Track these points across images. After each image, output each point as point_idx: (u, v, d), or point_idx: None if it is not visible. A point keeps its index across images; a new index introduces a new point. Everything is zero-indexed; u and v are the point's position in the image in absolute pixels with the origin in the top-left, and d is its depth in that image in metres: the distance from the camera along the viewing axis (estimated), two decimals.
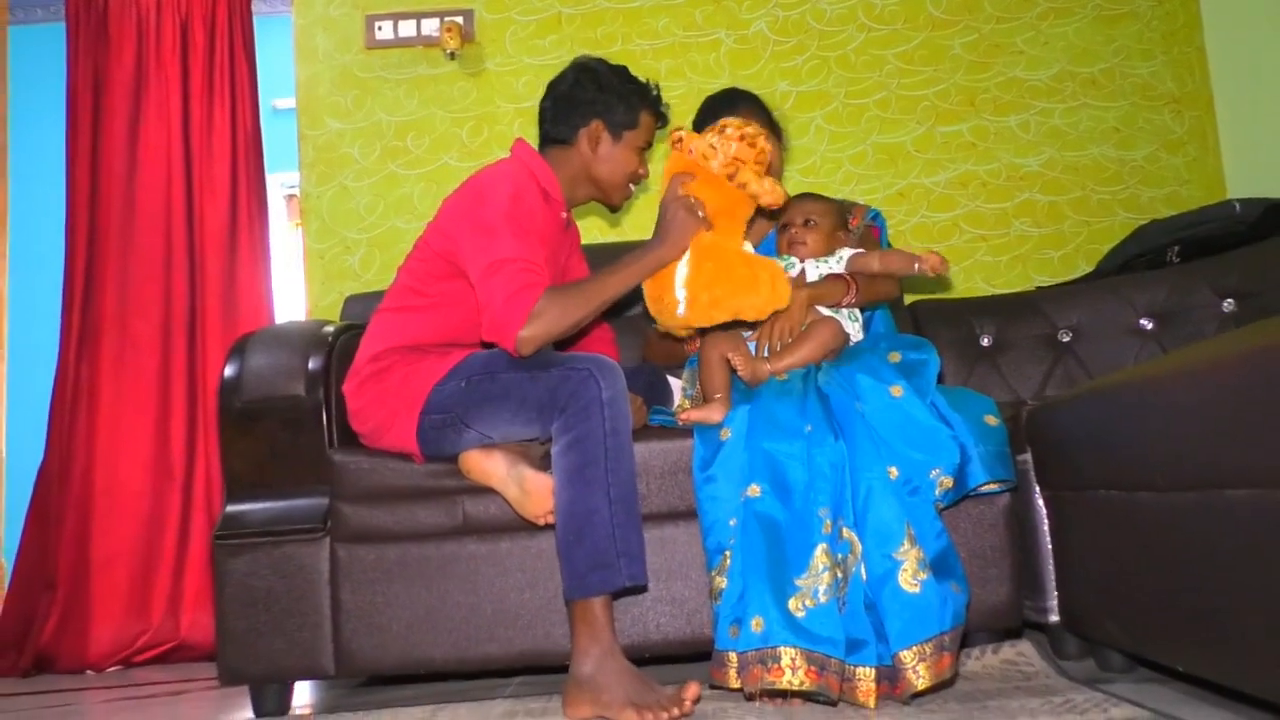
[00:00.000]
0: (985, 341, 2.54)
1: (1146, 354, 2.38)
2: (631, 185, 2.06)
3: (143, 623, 2.91)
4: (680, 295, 1.81)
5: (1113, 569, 1.57)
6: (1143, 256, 2.50)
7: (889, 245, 2.38)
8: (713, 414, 1.81)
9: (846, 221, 2.15)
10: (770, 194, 1.81)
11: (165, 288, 3.10)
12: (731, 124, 1.86)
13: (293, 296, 4.08)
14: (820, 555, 1.56)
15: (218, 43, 3.22)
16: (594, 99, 1.98)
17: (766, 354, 1.92)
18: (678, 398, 2.17)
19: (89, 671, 2.86)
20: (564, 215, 2.05)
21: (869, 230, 2.23)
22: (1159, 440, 1.36)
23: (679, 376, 2.21)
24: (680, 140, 1.87)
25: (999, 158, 2.98)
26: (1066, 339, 2.49)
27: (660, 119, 2.06)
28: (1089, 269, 2.83)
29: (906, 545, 1.56)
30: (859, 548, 1.58)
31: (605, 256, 2.17)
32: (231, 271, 3.12)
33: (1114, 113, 2.99)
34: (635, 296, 1.91)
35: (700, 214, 1.82)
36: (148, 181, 3.14)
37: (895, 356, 1.85)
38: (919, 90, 3.01)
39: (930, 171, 2.99)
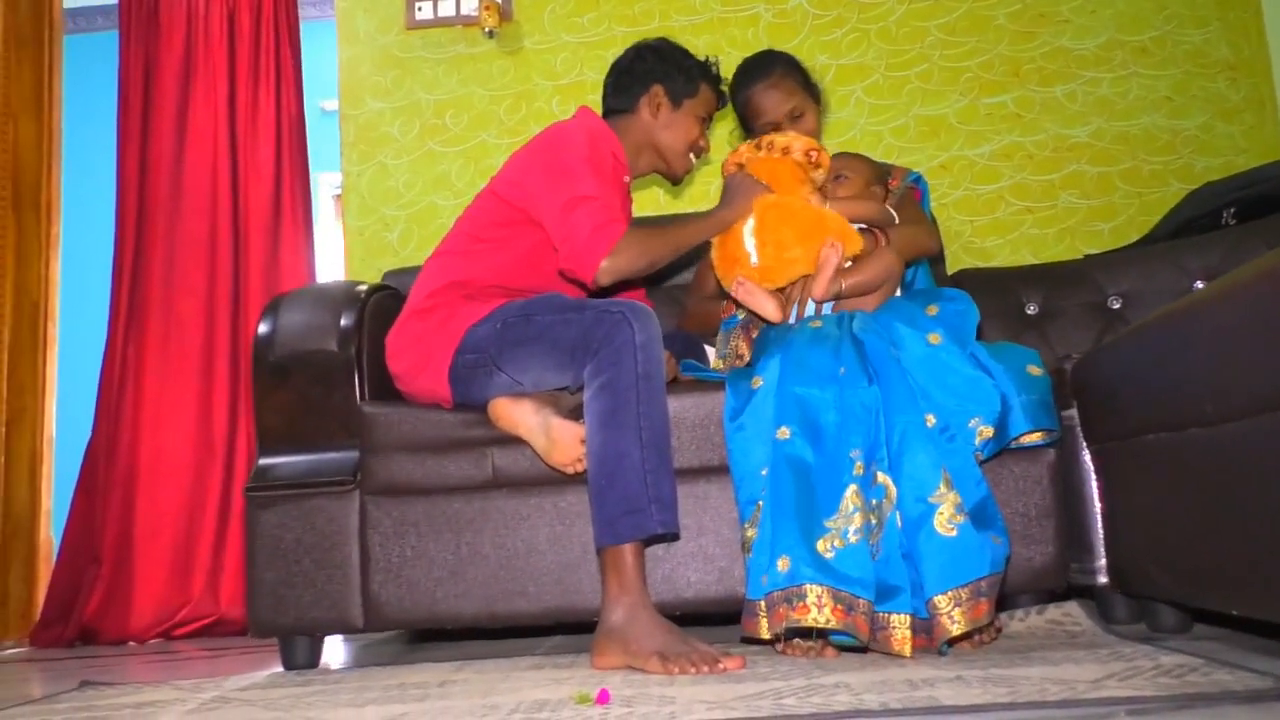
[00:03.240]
0: (1031, 310, 2.46)
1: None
2: (693, 156, 2.11)
3: (183, 596, 2.93)
4: (749, 246, 1.88)
5: (1163, 517, 1.50)
6: (1197, 220, 2.41)
7: (931, 211, 2.33)
8: (767, 303, 1.82)
9: (885, 181, 2.11)
10: (798, 139, 1.94)
11: (210, 269, 3.14)
12: (761, 140, 2.01)
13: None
14: (851, 496, 1.51)
15: (263, 31, 3.28)
16: (654, 68, 2.06)
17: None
18: (712, 362, 2.14)
19: (131, 643, 2.89)
20: (626, 180, 2.06)
21: (910, 191, 2.18)
22: (1205, 369, 1.30)
23: (713, 345, 2.19)
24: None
25: (1045, 129, 2.91)
26: (1117, 305, 2.40)
27: (720, 97, 2.13)
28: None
29: (943, 489, 1.51)
30: (894, 492, 1.52)
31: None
32: (274, 253, 3.16)
33: (1165, 81, 2.90)
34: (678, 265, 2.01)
35: (760, 183, 1.92)
36: (194, 166, 3.20)
37: (933, 309, 1.80)
38: (961, 61, 2.95)
39: (974, 143, 2.92)
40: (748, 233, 1.88)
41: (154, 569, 2.94)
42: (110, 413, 3.06)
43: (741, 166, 2.01)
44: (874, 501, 1.54)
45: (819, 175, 1.96)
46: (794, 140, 1.96)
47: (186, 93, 3.23)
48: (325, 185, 4.50)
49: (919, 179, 2.23)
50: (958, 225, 2.88)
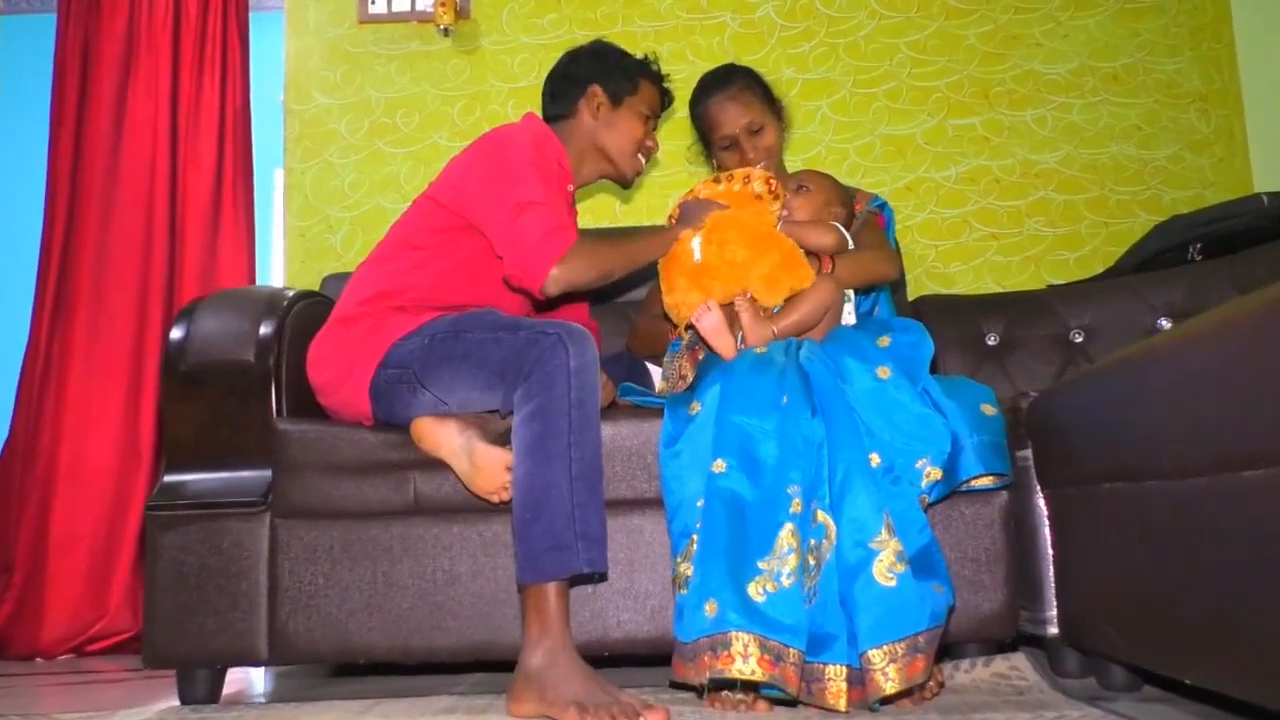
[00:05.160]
0: (991, 340, 2.39)
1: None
2: (642, 157, 2.01)
3: (99, 610, 2.77)
4: (694, 244, 1.79)
5: (1117, 571, 1.41)
6: (1164, 253, 2.34)
7: (896, 239, 2.25)
8: (725, 339, 1.72)
9: (849, 203, 2.01)
10: (758, 170, 1.87)
11: (144, 263, 2.99)
12: (720, 175, 1.94)
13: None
14: (786, 536, 1.41)
15: (210, 19, 3.13)
16: (590, 69, 1.96)
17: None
18: (657, 385, 2.04)
19: (38, 659, 2.73)
20: (570, 189, 1.95)
21: (872, 216, 2.09)
22: (1166, 418, 1.21)
23: (659, 366, 2.09)
24: (671, 216, 1.93)
25: (1013, 153, 2.84)
26: (1079, 339, 2.33)
27: (664, 93, 2.03)
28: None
29: (884, 535, 1.41)
30: (834, 532, 1.43)
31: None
32: (213, 247, 3.02)
33: (1136, 110, 2.84)
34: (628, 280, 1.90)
35: (717, 201, 1.84)
36: (131, 156, 3.05)
37: (884, 341, 1.70)
38: (931, 81, 2.88)
39: (940, 165, 2.85)
40: (697, 236, 1.80)
41: (69, 580, 2.78)
42: (30, 412, 2.90)
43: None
44: (813, 541, 1.44)
45: (777, 207, 1.87)
46: (753, 171, 1.89)
47: (126, 80, 3.08)
48: (282, 182, 4.36)
49: (884, 205, 2.14)
50: (921, 249, 2.80)
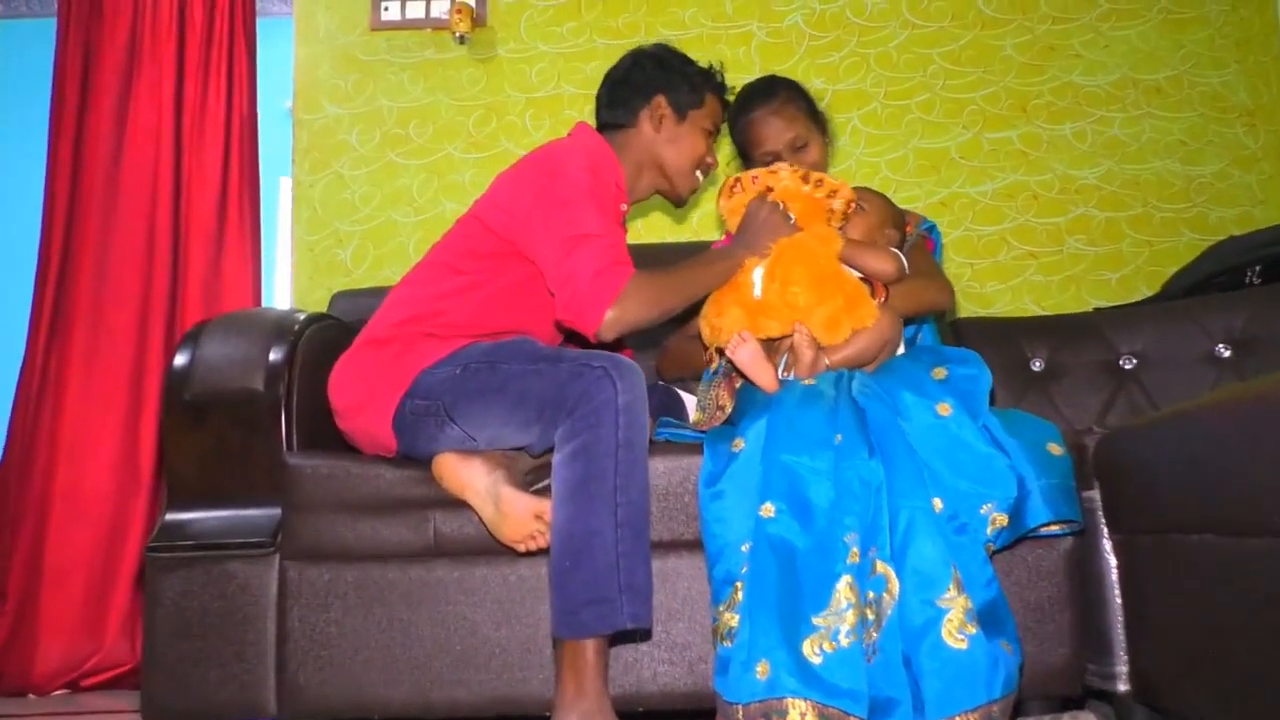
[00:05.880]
0: (1037, 365, 2.27)
1: (1224, 385, 2.10)
2: (700, 174, 1.87)
3: (94, 642, 2.65)
4: (755, 276, 1.65)
5: (1205, 630, 1.30)
6: (1218, 276, 2.23)
7: (941, 262, 2.13)
8: (765, 371, 1.59)
9: (902, 225, 1.90)
10: (846, 188, 1.73)
11: (145, 278, 2.87)
12: (810, 174, 1.76)
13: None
14: (844, 589, 1.30)
15: (217, 24, 3.02)
16: (654, 77, 1.82)
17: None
18: (692, 415, 1.92)
19: (31, 696, 2.60)
20: (623, 208, 1.83)
21: (922, 240, 1.98)
22: (1276, 470, 1.09)
23: (693, 393, 1.97)
24: (738, 181, 1.77)
25: (1052, 168, 2.73)
26: (1129, 366, 2.21)
27: (726, 106, 1.91)
28: (1150, 293, 2.57)
29: (953, 591, 1.30)
30: (896, 586, 1.31)
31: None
32: (217, 261, 2.90)
33: (1180, 124, 2.73)
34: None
35: (790, 218, 1.69)
36: (133, 166, 2.93)
37: (940, 372, 1.59)
38: (966, 93, 2.76)
39: (976, 180, 2.73)
40: (759, 268, 1.67)
41: (64, 610, 2.66)
42: (25, 432, 2.77)
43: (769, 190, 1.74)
44: (871, 594, 1.33)
45: (838, 222, 1.74)
46: (842, 187, 1.74)
47: (128, 87, 2.96)
48: (288, 191, 4.25)
49: (933, 228, 2.03)
50: (956, 267, 2.69)
